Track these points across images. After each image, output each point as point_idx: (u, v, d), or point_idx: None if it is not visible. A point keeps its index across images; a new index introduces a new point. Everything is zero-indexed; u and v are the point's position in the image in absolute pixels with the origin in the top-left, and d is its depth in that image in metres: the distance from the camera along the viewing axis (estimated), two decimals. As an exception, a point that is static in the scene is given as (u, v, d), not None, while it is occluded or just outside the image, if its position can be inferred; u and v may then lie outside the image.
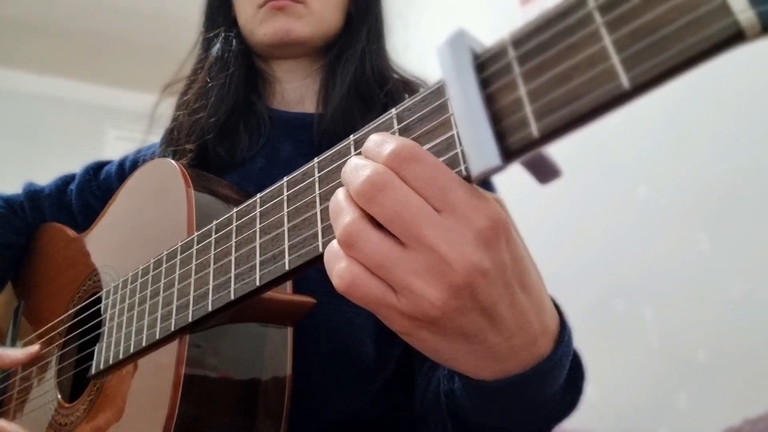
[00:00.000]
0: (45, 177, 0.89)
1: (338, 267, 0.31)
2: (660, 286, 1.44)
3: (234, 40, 0.76)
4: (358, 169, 0.31)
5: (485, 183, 0.69)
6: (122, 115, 3.50)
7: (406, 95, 0.74)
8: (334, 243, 0.32)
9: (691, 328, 1.35)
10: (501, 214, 0.29)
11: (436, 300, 0.29)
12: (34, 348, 0.67)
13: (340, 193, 0.32)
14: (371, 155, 0.31)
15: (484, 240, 0.28)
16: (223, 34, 0.77)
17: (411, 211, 0.29)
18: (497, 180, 0.57)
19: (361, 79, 0.73)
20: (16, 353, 0.67)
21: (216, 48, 0.76)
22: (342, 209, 0.31)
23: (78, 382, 0.63)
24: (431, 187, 0.29)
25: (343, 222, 0.30)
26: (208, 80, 0.74)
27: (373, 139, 0.32)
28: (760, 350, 1.21)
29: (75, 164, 0.89)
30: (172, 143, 0.73)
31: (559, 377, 0.38)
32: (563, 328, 0.37)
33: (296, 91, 0.78)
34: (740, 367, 1.24)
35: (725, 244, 1.32)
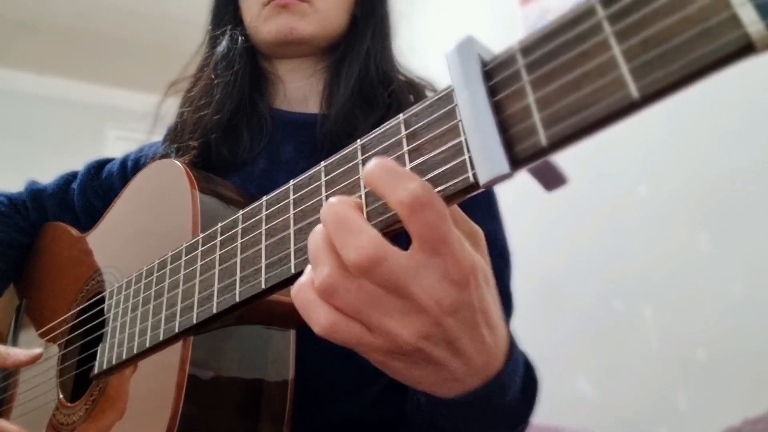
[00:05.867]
0: (45, 177, 0.89)
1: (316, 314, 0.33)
2: (660, 286, 1.44)
3: (240, 38, 0.76)
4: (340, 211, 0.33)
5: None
6: (122, 115, 3.48)
7: (411, 96, 0.74)
8: (308, 291, 0.34)
9: (691, 328, 1.35)
10: (474, 262, 0.32)
11: (410, 338, 0.32)
12: (37, 351, 0.66)
13: (317, 232, 0.34)
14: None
15: (456, 284, 0.32)
16: (229, 32, 0.77)
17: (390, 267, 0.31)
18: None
19: (365, 80, 0.73)
20: (18, 354, 0.66)
21: (222, 46, 0.76)
22: (320, 257, 0.33)
23: (80, 382, 0.63)
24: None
25: (322, 273, 0.32)
26: (214, 77, 0.74)
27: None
28: (760, 350, 1.21)
29: (75, 164, 0.89)
30: (176, 140, 0.74)
31: (510, 390, 0.41)
32: (512, 345, 0.41)
33: (299, 90, 0.78)
34: (740, 367, 1.24)
35: (726, 244, 1.32)
